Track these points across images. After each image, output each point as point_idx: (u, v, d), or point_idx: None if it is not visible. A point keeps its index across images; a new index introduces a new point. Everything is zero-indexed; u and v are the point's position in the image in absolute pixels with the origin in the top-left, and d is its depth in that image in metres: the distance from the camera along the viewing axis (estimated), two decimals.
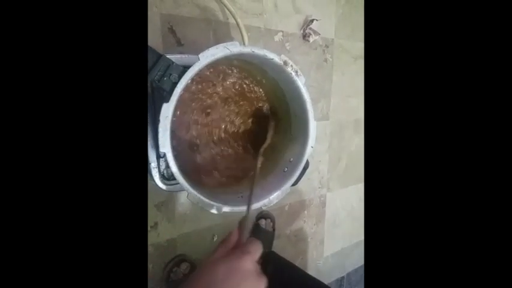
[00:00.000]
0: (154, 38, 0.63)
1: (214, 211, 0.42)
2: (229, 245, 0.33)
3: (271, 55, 0.43)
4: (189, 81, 0.40)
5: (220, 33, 0.71)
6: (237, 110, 0.57)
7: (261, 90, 0.58)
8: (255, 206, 0.46)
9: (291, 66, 0.44)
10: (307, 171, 0.53)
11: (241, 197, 0.50)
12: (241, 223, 0.36)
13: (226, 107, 0.56)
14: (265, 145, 0.52)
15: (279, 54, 0.44)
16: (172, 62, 0.39)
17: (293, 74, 0.45)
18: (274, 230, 0.89)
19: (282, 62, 0.44)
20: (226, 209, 0.43)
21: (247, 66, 0.54)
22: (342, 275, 1.27)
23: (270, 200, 0.48)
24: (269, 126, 0.54)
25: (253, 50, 0.41)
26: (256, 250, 0.32)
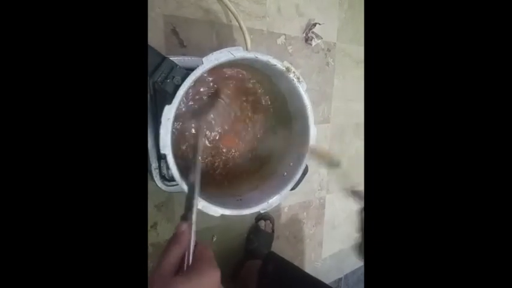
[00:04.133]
0: (157, 39, 0.63)
1: (213, 213, 0.42)
2: (181, 249, 0.27)
3: (274, 61, 0.43)
4: (192, 83, 0.40)
5: (223, 35, 0.71)
6: (235, 113, 0.57)
7: (262, 92, 0.59)
8: (254, 209, 0.47)
9: (293, 72, 0.45)
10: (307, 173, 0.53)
11: (240, 200, 0.50)
12: (184, 216, 0.29)
13: (226, 109, 0.56)
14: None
15: (281, 59, 0.44)
16: (176, 65, 0.39)
17: (295, 80, 0.45)
18: (273, 231, 0.89)
19: (284, 68, 0.44)
20: (225, 211, 0.43)
21: (249, 69, 0.54)
22: (340, 277, 1.27)
23: (269, 203, 0.48)
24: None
25: (256, 55, 0.42)
26: (209, 257, 0.27)
